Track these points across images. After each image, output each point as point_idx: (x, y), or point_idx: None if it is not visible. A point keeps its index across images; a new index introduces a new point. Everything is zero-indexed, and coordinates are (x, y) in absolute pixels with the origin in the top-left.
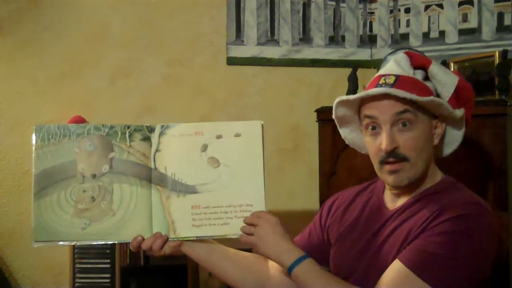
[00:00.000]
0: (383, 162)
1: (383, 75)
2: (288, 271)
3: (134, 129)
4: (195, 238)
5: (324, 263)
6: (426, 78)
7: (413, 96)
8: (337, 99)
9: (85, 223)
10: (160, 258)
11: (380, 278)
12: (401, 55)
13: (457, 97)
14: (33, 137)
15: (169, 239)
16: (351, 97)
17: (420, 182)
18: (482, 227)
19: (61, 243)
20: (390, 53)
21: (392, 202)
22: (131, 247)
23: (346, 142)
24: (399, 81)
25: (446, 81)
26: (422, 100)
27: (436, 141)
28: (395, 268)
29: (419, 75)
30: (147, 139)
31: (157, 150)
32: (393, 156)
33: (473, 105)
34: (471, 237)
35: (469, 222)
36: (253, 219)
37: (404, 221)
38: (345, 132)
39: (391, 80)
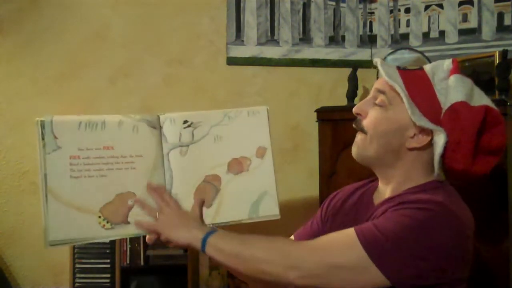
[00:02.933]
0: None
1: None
2: (202, 242)
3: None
4: (211, 226)
5: None
6: None
7: (385, 74)
8: (377, 60)
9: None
10: (160, 258)
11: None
12: (448, 62)
13: (451, 118)
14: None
15: None
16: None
17: (381, 168)
18: (442, 225)
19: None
20: (390, 53)
21: (379, 197)
22: (148, 240)
23: None
24: (412, 72)
25: (450, 95)
26: (387, 79)
27: (409, 145)
28: (346, 232)
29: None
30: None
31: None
32: (357, 123)
33: (468, 140)
34: (425, 229)
35: (427, 216)
36: (160, 204)
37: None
38: None
39: (409, 67)
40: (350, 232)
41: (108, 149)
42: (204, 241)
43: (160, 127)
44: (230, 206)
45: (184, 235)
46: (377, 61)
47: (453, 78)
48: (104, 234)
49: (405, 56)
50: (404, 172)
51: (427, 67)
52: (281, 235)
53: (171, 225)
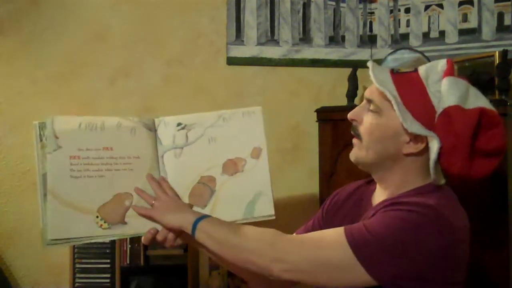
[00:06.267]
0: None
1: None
2: (193, 225)
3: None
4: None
5: None
6: None
7: (376, 80)
8: (370, 64)
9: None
10: (160, 258)
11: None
12: (443, 62)
13: (444, 123)
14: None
15: None
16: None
17: (378, 171)
18: (430, 228)
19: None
20: (390, 53)
21: (378, 198)
22: (144, 240)
23: None
24: (406, 75)
25: (443, 99)
26: (378, 86)
27: (405, 151)
28: (336, 230)
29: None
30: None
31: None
32: (353, 129)
33: (462, 144)
34: (412, 232)
35: (416, 219)
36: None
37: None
38: None
39: (403, 70)
40: (340, 230)
41: (107, 150)
42: (195, 224)
43: (155, 130)
44: (225, 207)
45: (177, 217)
46: (369, 65)
47: (445, 81)
48: (102, 234)
49: (405, 56)
50: (401, 176)
51: (422, 69)
52: None
53: (166, 209)
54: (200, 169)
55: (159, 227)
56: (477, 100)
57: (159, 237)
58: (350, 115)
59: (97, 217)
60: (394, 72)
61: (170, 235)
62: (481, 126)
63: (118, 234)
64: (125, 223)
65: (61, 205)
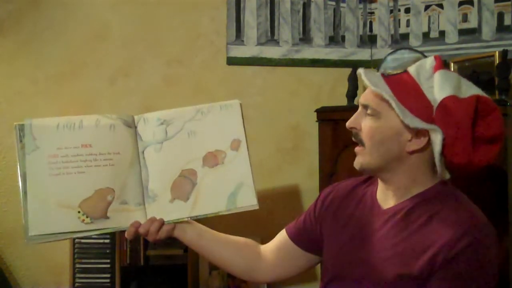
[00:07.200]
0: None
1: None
2: None
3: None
4: (188, 219)
5: (315, 252)
6: None
7: (370, 83)
8: (361, 70)
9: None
10: (160, 258)
11: None
12: (431, 59)
13: (443, 114)
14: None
15: (165, 223)
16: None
17: (387, 175)
18: (494, 253)
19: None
20: (390, 53)
21: (385, 200)
22: (127, 235)
23: None
24: (397, 77)
25: (438, 92)
26: (373, 88)
27: (408, 148)
28: None
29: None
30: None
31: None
32: (354, 136)
33: (464, 133)
34: (488, 269)
35: (486, 253)
36: None
37: (403, 229)
38: None
39: (393, 72)
40: None
41: (86, 147)
42: None
43: (135, 127)
44: (207, 199)
45: None
46: (360, 71)
47: (437, 75)
48: (84, 228)
49: (405, 56)
50: (408, 176)
51: (411, 69)
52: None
53: None
54: (180, 163)
55: (142, 221)
56: (471, 89)
57: (142, 230)
58: (348, 124)
59: (79, 212)
60: (385, 76)
61: (152, 228)
62: (478, 113)
63: (100, 229)
64: (108, 217)
65: (41, 202)
